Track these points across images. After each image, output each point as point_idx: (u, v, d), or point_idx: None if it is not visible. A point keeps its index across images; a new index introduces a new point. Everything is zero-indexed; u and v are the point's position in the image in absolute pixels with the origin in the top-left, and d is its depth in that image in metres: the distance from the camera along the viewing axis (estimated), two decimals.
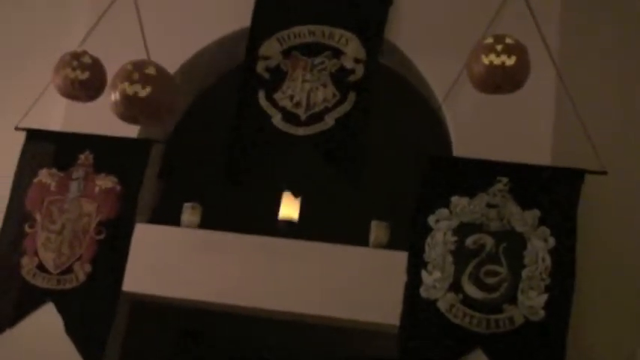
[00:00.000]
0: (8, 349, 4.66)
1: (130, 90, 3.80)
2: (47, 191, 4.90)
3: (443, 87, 4.73)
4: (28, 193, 4.91)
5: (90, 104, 4.50)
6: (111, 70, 4.16)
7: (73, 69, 4.19)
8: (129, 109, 3.75)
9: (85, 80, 4.18)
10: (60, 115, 5.13)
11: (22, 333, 4.68)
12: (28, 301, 4.70)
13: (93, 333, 4.55)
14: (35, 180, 4.94)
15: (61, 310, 4.64)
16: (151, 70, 3.86)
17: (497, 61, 3.80)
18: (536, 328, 4.23)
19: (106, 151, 4.92)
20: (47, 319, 4.65)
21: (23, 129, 5.00)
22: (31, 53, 5.41)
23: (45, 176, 4.93)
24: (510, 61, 3.80)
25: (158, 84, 3.83)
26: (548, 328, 4.22)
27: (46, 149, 5.00)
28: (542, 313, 4.24)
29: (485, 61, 3.82)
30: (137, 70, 3.85)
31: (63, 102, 4.78)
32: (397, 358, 4.32)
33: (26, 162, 4.99)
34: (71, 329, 4.59)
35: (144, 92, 3.78)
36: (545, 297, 4.26)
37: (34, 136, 5.04)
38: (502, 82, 3.86)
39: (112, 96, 3.85)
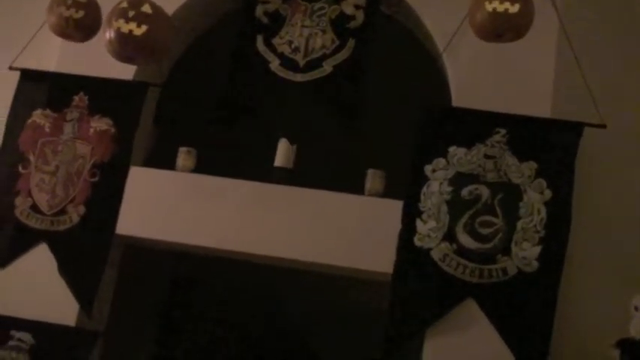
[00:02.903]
0: (1, 289, 4.66)
1: (125, 28, 3.74)
2: (41, 132, 4.86)
3: (444, 37, 4.67)
4: (22, 133, 4.89)
5: (85, 45, 4.44)
6: (106, 10, 4.09)
7: (68, 7, 4.13)
8: (124, 47, 3.69)
9: (79, 19, 4.13)
10: (54, 55, 5.06)
11: (16, 273, 4.69)
12: (21, 241, 4.71)
13: (86, 274, 4.56)
14: (29, 121, 4.90)
15: (54, 251, 4.64)
16: (146, 9, 3.79)
17: (500, 7, 3.75)
18: (529, 279, 4.24)
19: (100, 93, 4.87)
20: (41, 260, 4.66)
21: (17, 69, 4.95)
22: None
23: (39, 117, 4.89)
24: (514, 8, 3.75)
25: (154, 23, 3.78)
26: (541, 280, 4.24)
27: (40, 90, 4.96)
28: (535, 264, 4.25)
29: (489, 7, 3.77)
30: (133, 8, 3.78)
31: (57, 42, 4.72)
32: (389, 307, 4.34)
33: (20, 102, 4.96)
34: (64, 270, 4.59)
35: (139, 31, 3.73)
36: (539, 249, 4.27)
37: (28, 76, 4.99)
38: (505, 29, 3.81)
39: (106, 34, 3.79)
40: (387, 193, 4.71)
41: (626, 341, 3.96)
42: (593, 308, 4.38)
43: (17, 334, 4.50)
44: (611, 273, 4.43)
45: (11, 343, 4.50)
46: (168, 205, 4.78)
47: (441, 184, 4.45)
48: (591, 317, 4.35)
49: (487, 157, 4.44)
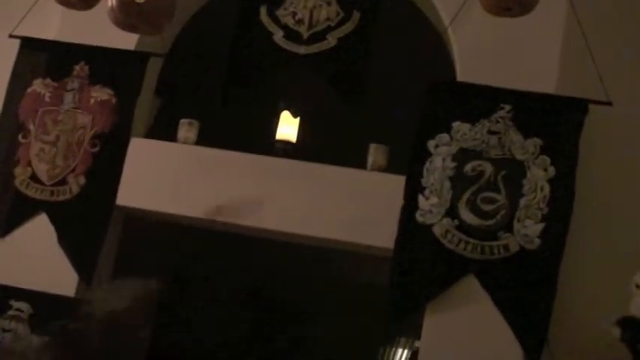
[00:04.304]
0: (0, 259, 4.65)
1: None
2: (41, 101, 4.82)
3: (450, 11, 4.61)
4: (22, 102, 4.85)
5: (86, 14, 4.37)
6: None
7: None
8: (126, 15, 3.63)
9: None
10: (55, 24, 5.00)
11: (15, 243, 4.67)
12: (21, 211, 4.69)
13: (85, 245, 4.55)
14: (29, 90, 4.86)
15: (54, 221, 4.62)
16: None
17: None
18: (531, 256, 4.22)
19: (101, 63, 4.83)
20: (40, 230, 4.64)
21: (17, 37, 4.90)
22: None
23: (39, 86, 4.85)
24: None
25: None
26: (543, 257, 4.22)
27: (41, 59, 4.92)
28: (537, 241, 4.23)
29: None
30: None
31: (59, 10, 4.66)
32: (390, 282, 4.33)
33: (20, 71, 4.91)
34: (64, 240, 4.58)
35: None
36: (541, 226, 4.24)
37: (28, 44, 4.94)
38: (513, 2, 3.74)
39: (108, 1, 3.73)
40: (390, 168, 4.68)
41: (627, 319, 3.94)
42: (594, 286, 4.36)
43: (16, 304, 4.49)
44: (613, 251, 4.41)
45: (10, 312, 4.49)
46: (170, 177, 4.75)
47: (444, 159, 4.41)
48: (592, 295, 4.33)
49: (491, 132, 4.41)
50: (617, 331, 3.94)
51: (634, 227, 4.47)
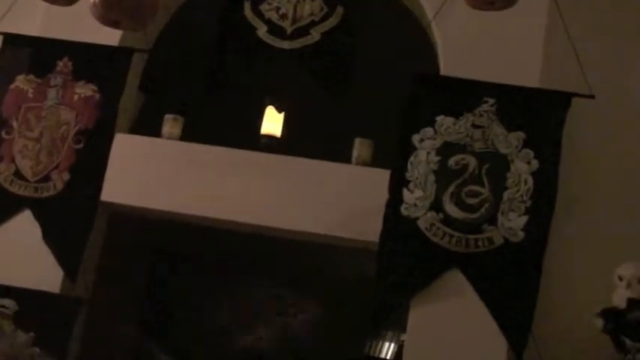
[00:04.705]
0: None
1: None
2: (24, 98, 4.79)
3: (434, 5, 4.63)
4: (5, 98, 4.81)
5: (69, 9, 4.33)
6: None
7: None
8: (109, 11, 3.59)
9: None
10: (38, 20, 4.97)
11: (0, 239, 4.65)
12: (5, 207, 4.66)
13: (70, 241, 4.53)
14: (12, 86, 4.83)
15: (38, 217, 4.60)
16: None
17: None
18: (515, 249, 4.25)
19: (85, 59, 4.80)
20: (25, 227, 4.62)
21: (0, 33, 4.85)
22: None
23: (22, 82, 4.82)
24: None
25: None
26: (526, 250, 4.25)
27: (24, 55, 4.88)
28: (521, 234, 4.26)
29: None
30: None
31: (41, 6, 4.63)
32: (375, 276, 4.35)
33: (3, 67, 4.88)
34: (49, 237, 4.56)
35: None
36: (525, 219, 4.27)
37: (10, 40, 4.90)
38: None
39: None
40: (375, 162, 4.70)
41: (609, 311, 3.99)
42: (577, 278, 4.40)
43: (1, 301, 4.46)
44: (596, 243, 4.45)
45: None
46: (154, 173, 4.75)
47: (428, 153, 4.43)
48: (575, 287, 4.37)
49: (475, 126, 4.43)
50: (599, 322, 3.98)
51: (617, 220, 4.51)
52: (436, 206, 4.35)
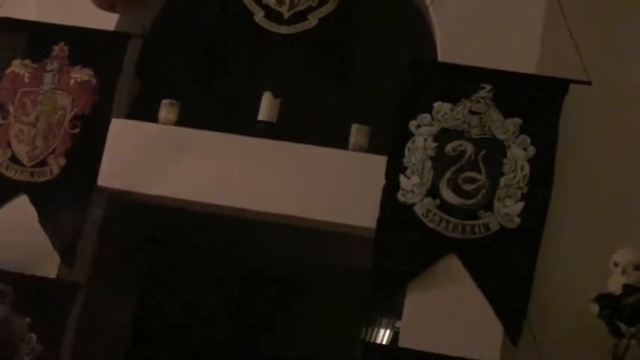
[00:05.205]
0: None
1: None
2: (20, 82, 4.79)
3: None
4: (1, 83, 4.80)
5: None
6: None
7: None
8: None
9: None
10: (34, 5, 4.95)
11: None
12: (1, 193, 4.66)
13: (67, 226, 4.54)
14: (7, 70, 4.82)
15: (34, 202, 4.61)
16: None
17: None
18: (511, 235, 4.27)
19: (81, 43, 4.79)
20: (21, 212, 4.61)
21: None
22: None
23: (18, 67, 4.81)
24: None
25: None
26: (523, 236, 4.27)
27: (19, 39, 4.87)
28: (517, 220, 4.27)
29: None
30: None
31: None
32: (372, 262, 4.35)
33: None
34: (45, 222, 4.56)
35: None
36: (521, 205, 4.28)
37: (6, 25, 4.89)
38: None
39: None
40: (372, 148, 4.69)
41: (604, 296, 4.00)
42: (573, 264, 4.41)
43: None
44: (592, 230, 4.45)
45: None
46: (151, 158, 4.74)
47: (425, 139, 4.43)
48: (571, 273, 4.38)
49: (472, 112, 4.43)
50: (595, 308, 3.99)
51: (613, 206, 4.52)
52: (433, 192, 4.35)
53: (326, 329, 7.25)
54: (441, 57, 4.64)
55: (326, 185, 4.56)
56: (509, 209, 4.28)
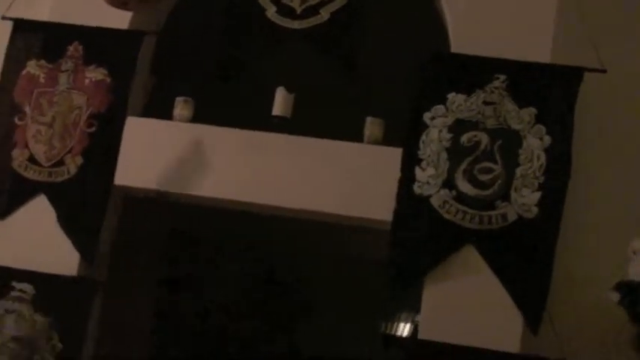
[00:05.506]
0: (1, 241, 4.66)
1: None
2: (36, 83, 4.82)
3: None
4: (17, 84, 4.83)
5: None
6: None
7: None
8: None
9: None
10: (47, 5, 4.98)
11: (15, 225, 4.69)
12: (20, 193, 4.71)
13: (86, 224, 4.58)
14: (23, 72, 4.86)
15: (53, 202, 4.64)
16: None
17: None
18: (529, 225, 4.25)
19: (95, 43, 4.82)
20: (40, 211, 4.65)
21: (10, 18, 4.88)
22: None
23: (33, 67, 4.84)
24: None
25: None
26: (540, 226, 4.25)
27: (34, 40, 4.90)
28: (535, 210, 4.25)
29: None
30: None
31: None
32: (389, 254, 4.35)
33: (14, 53, 4.90)
34: (64, 220, 4.60)
35: None
36: (538, 195, 4.26)
37: (21, 26, 4.93)
38: None
39: None
40: (386, 140, 4.69)
41: (624, 284, 3.98)
42: (592, 252, 4.40)
43: (18, 285, 4.51)
44: (610, 218, 4.43)
45: (13, 294, 4.52)
46: (166, 156, 4.76)
47: (440, 131, 4.42)
48: (591, 261, 4.36)
49: (486, 103, 4.41)
50: (615, 296, 3.97)
51: (631, 193, 4.49)
52: (449, 184, 4.34)
53: (345, 324, 7.26)
54: (454, 48, 4.63)
55: (342, 179, 4.57)
56: (526, 199, 4.26)
